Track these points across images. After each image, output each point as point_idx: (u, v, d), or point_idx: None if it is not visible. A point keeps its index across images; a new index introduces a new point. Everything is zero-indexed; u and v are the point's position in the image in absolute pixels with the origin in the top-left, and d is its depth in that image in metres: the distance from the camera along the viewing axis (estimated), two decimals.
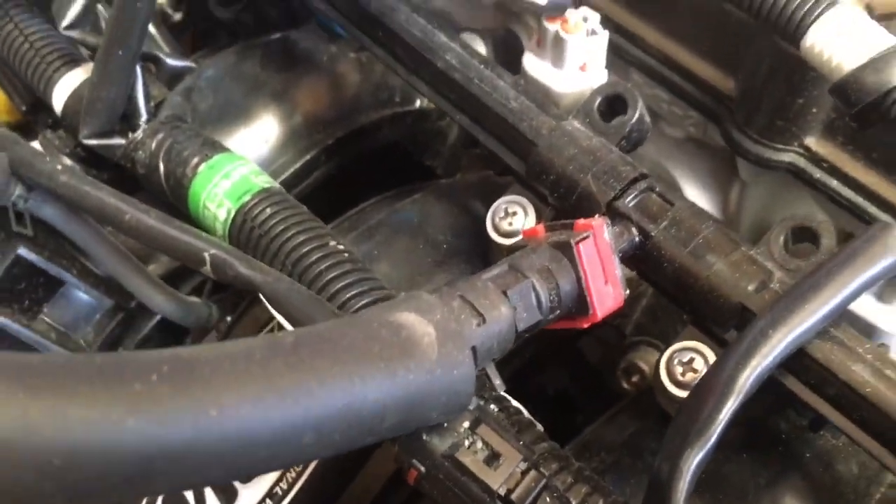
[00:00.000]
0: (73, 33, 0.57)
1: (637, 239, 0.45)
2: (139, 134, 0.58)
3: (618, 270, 0.42)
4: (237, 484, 0.54)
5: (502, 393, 0.41)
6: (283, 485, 0.52)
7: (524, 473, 0.38)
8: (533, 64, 0.54)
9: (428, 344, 0.34)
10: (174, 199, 0.57)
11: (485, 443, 0.38)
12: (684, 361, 0.45)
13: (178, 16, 0.78)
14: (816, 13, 0.50)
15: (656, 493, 0.37)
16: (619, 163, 0.48)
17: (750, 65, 0.59)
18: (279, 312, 0.46)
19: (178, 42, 0.71)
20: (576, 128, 0.50)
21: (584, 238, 0.41)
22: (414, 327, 0.34)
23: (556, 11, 0.51)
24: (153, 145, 0.58)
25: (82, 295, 0.63)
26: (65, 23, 0.55)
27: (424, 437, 0.38)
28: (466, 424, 0.39)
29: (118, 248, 0.61)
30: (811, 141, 0.58)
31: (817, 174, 0.58)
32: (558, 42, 0.52)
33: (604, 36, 0.53)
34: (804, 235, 0.46)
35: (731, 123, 0.61)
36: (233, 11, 0.71)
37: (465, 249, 0.59)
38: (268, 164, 0.67)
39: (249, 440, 0.29)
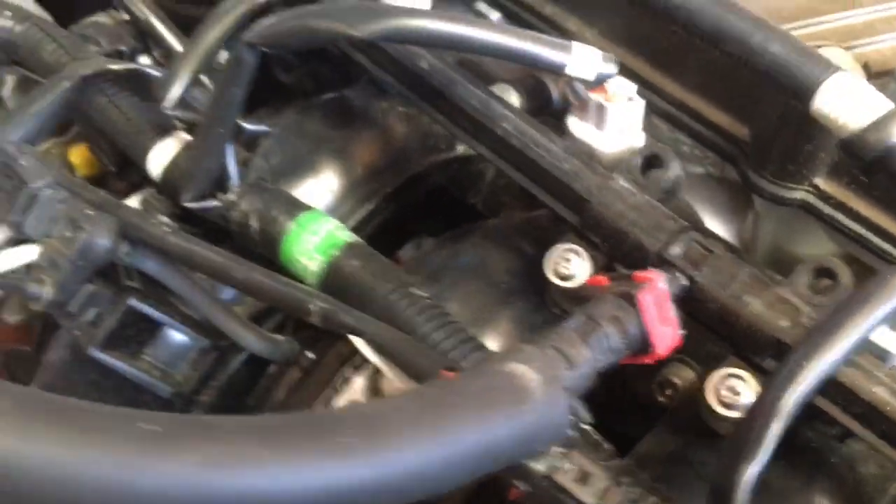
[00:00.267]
0: (176, 112, 0.65)
1: (684, 284, 0.53)
2: (232, 196, 0.66)
3: (673, 313, 0.50)
4: None
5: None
6: None
7: (608, 490, 0.47)
8: (577, 126, 0.63)
9: (535, 389, 0.42)
10: (266, 252, 0.65)
11: (575, 464, 0.47)
12: (728, 385, 0.53)
13: None
14: (822, 79, 0.58)
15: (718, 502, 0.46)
16: (662, 217, 0.56)
17: (762, 115, 0.67)
18: (383, 356, 0.54)
19: None
20: (622, 186, 0.58)
21: (645, 288, 0.49)
22: (524, 376, 0.42)
23: (600, 83, 0.59)
24: (245, 206, 0.66)
25: (179, 336, 0.71)
26: (169, 104, 0.63)
27: (525, 462, 0.47)
28: (560, 449, 0.47)
29: (211, 294, 0.69)
30: (820, 180, 0.66)
31: (826, 210, 0.67)
32: (601, 110, 0.60)
33: (641, 103, 0.61)
34: (825, 274, 0.54)
35: (746, 165, 0.70)
36: (296, 75, 0.79)
37: (521, 289, 0.67)
38: (333, 212, 0.75)
39: (416, 477, 0.37)
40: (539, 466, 0.47)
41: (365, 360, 0.65)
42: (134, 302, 0.67)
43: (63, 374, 0.75)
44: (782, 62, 0.58)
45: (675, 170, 0.60)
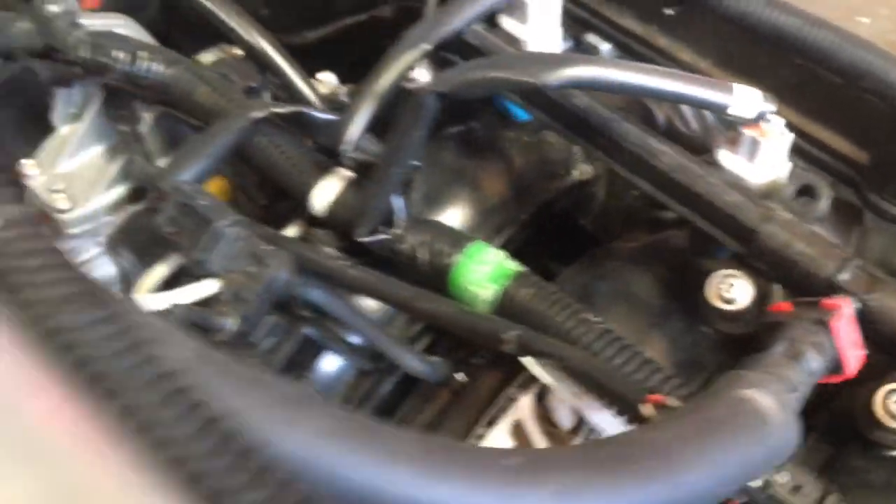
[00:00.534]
0: (354, 154, 0.69)
1: (858, 307, 0.58)
2: (399, 230, 0.70)
3: (858, 336, 0.55)
4: None
5: None
6: None
7: (821, 500, 0.51)
8: (728, 159, 0.67)
9: (773, 413, 0.47)
10: (434, 281, 0.69)
11: (789, 477, 0.52)
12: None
13: None
14: None
15: None
16: (827, 245, 0.61)
17: (883, 142, 0.72)
18: (581, 380, 0.58)
19: None
20: (785, 216, 0.63)
21: (836, 315, 0.54)
22: (757, 402, 0.47)
23: (758, 121, 0.64)
24: (413, 239, 0.70)
25: (339, 361, 0.76)
26: (347, 146, 0.67)
27: None
28: None
29: (372, 320, 0.74)
30: None
31: None
32: (755, 144, 0.65)
33: (790, 137, 0.66)
34: None
35: (865, 188, 0.75)
36: None
37: (669, 310, 0.72)
38: None
39: (695, 497, 0.42)
40: (756, 481, 0.51)
41: (530, 380, 0.70)
42: (309, 330, 0.71)
43: None
44: None
45: (827, 199, 0.65)
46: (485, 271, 0.68)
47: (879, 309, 0.58)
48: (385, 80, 0.67)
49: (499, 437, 0.68)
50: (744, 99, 0.63)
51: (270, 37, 0.92)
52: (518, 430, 0.69)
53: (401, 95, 0.70)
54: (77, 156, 0.89)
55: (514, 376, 0.71)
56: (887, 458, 0.60)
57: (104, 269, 0.95)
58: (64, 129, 0.90)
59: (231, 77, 0.86)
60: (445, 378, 0.75)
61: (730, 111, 0.63)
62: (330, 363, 0.76)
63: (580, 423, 0.68)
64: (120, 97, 0.85)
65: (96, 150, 0.90)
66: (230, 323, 0.68)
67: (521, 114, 0.84)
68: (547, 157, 0.86)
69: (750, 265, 0.65)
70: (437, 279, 0.70)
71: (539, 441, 0.68)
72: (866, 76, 0.68)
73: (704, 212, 0.65)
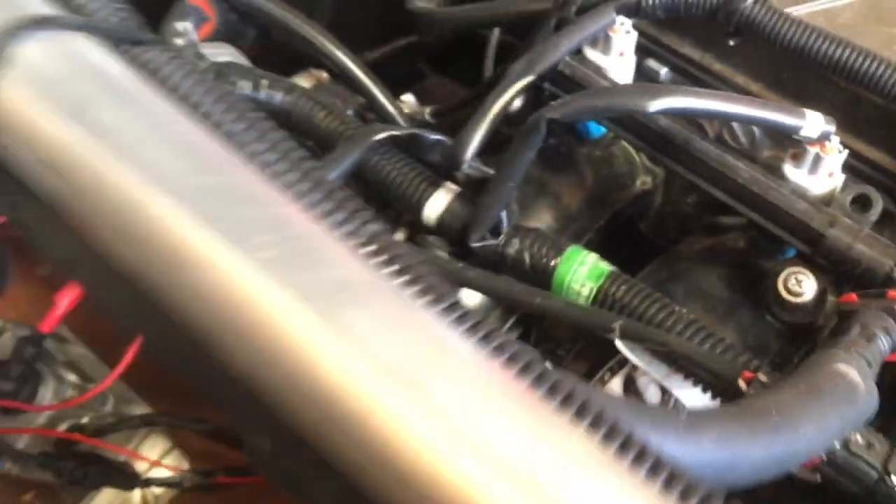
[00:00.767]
0: (471, 170, 0.80)
1: None
2: (503, 238, 0.81)
3: None
4: None
5: None
6: None
7: (888, 455, 0.62)
8: (792, 172, 0.78)
9: (860, 385, 0.58)
10: (538, 281, 0.80)
11: (862, 436, 0.62)
12: None
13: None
14: None
15: None
16: (884, 245, 0.72)
17: None
18: (683, 362, 0.69)
19: None
20: (847, 222, 0.74)
21: None
22: (849, 374, 0.58)
23: (822, 141, 0.75)
24: (517, 245, 0.81)
25: None
26: (464, 163, 0.78)
27: None
28: None
29: None
30: None
31: None
32: (818, 159, 0.76)
33: (845, 153, 0.77)
34: None
35: None
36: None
37: (737, 304, 0.82)
38: None
39: (805, 451, 0.53)
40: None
41: (617, 366, 0.81)
42: None
43: None
44: None
45: (878, 206, 0.76)
46: (583, 271, 0.78)
47: None
48: (496, 107, 0.78)
49: None
50: (812, 122, 0.74)
51: (359, 61, 1.02)
52: None
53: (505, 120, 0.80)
54: None
55: (598, 365, 0.82)
56: None
57: None
58: None
59: (335, 101, 0.97)
60: None
61: (802, 133, 0.74)
62: None
63: (664, 398, 0.78)
64: None
65: None
66: None
67: (593, 132, 0.95)
68: (615, 170, 0.97)
69: (814, 263, 0.76)
70: (540, 279, 0.80)
71: None
72: None
73: (776, 218, 0.76)
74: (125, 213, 0.32)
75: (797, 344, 0.81)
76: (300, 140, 0.91)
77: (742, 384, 0.65)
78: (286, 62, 1.09)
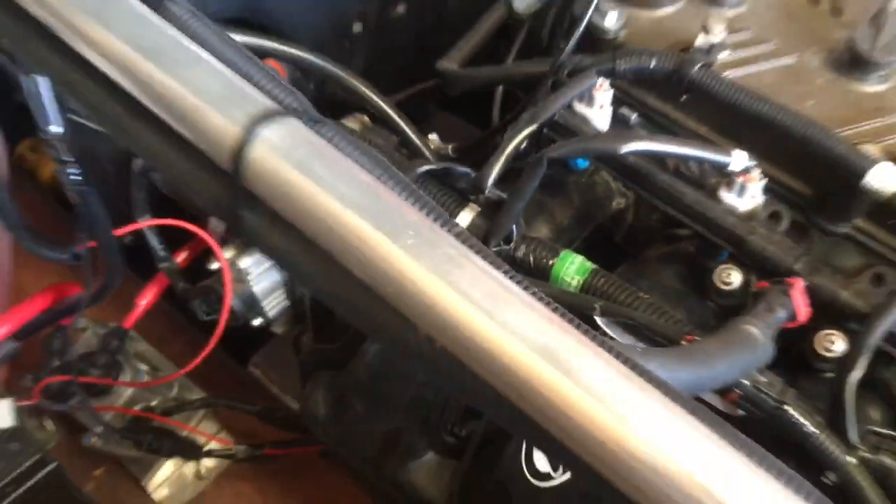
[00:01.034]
0: (490, 195, 1.08)
1: (806, 284, 0.98)
2: (514, 244, 1.09)
3: (806, 299, 0.95)
4: None
5: None
6: None
7: (783, 389, 0.91)
8: (726, 195, 1.07)
9: (759, 337, 0.86)
10: (540, 276, 1.08)
11: (766, 376, 0.91)
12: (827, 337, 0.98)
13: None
14: (869, 167, 1.03)
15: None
16: (789, 247, 1.01)
17: (823, 183, 1.12)
18: (646, 332, 0.97)
19: None
20: (763, 231, 1.03)
21: (795, 287, 0.94)
22: (752, 332, 0.86)
23: (746, 172, 1.04)
24: (525, 249, 1.09)
25: None
26: (487, 189, 1.06)
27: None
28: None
29: None
30: (859, 222, 1.11)
31: (861, 238, 1.11)
32: (743, 186, 1.05)
33: (764, 181, 1.06)
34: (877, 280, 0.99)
35: (810, 211, 1.14)
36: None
37: (687, 293, 1.11)
38: None
39: (715, 381, 0.81)
40: (746, 380, 0.91)
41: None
42: None
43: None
44: (846, 156, 1.03)
45: (787, 220, 1.05)
46: (573, 268, 1.07)
47: (819, 284, 0.98)
48: (510, 147, 1.06)
49: None
50: (737, 158, 1.03)
51: (394, 106, 1.31)
52: None
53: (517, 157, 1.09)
54: None
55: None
56: (821, 378, 1.00)
57: (269, 278, 1.33)
58: None
59: (381, 142, 1.25)
60: None
61: (730, 167, 1.03)
62: None
63: None
64: None
65: None
66: None
67: (580, 165, 1.23)
68: (597, 194, 1.25)
69: (741, 262, 1.05)
70: (541, 275, 1.08)
71: None
72: (811, 141, 1.07)
73: (713, 230, 1.05)
74: (346, 238, 0.59)
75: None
76: None
77: (684, 343, 0.93)
78: (336, 107, 1.37)
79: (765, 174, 1.09)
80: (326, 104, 1.38)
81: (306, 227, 0.62)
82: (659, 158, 1.15)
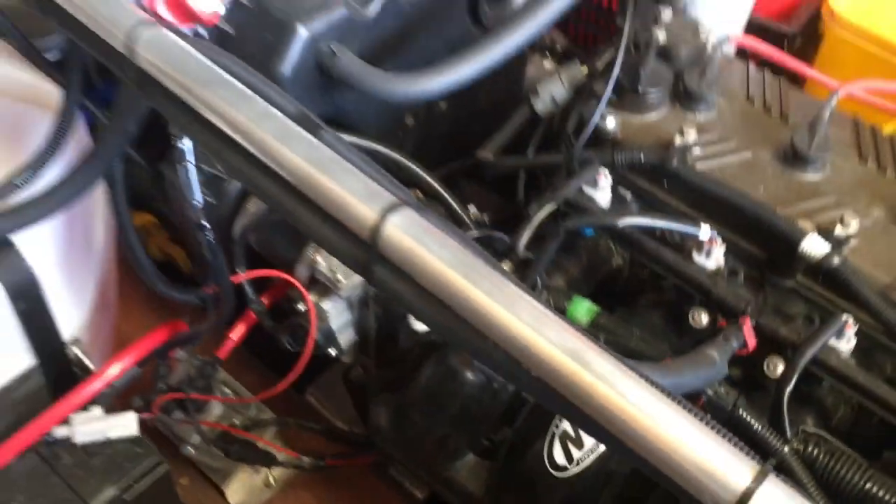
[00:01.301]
0: (521, 255, 1.45)
1: (754, 322, 1.34)
2: (538, 292, 1.46)
3: (753, 332, 1.32)
4: None
5: None
6: None
7: (737, 398, 1.27)
8: (697, 257, 1.44)
9: (717, 358, 1.22)
10: None
11: (723, 387, 1.27)
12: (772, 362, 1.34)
13: None
14: (801, 238, 1.40)
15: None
16: (742, 296, 1.38)
17: (773, 248, 1.49)
18: (637, 355, 1.33)
19: None
20: (723, 284, 1.40)
21: (745, 324, 1.30)
22: (712, 355, 1.23)
23: (711, 240, 1.41)
24: (546, 295, 1.45)
25: None
26: (521, 250, 1.43)
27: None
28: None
29: None
30: (800, 278, 1.48)
31: (804, 292, 1.48)
32: (710, 250, 1.42)
33: (724, 246, 1.43)
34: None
35: (764, 269, 1.51)
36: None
37: (669, 330, 1.47)
38: None
39: (681, 386, 1.17)
40: (709, 390, 1.27)
41: None
42: None
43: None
44: (786, 229, 1.41)
45: (742, 274, 1.42)
46: (583, 310, 1.43)
47: (763, 323, 1.35)
48: (536, 220, 1.43)
49: None
50: (704, 230, 1.41)
51: (442, 183, 1.69)
52: None
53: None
54: None
55: None
56: (767, 389, 1.36)
57: (343, 317, 1.69)
58: None
59: None
60: None
61: (699, 237, 1.41)
62: None
63: None
64: None
65: None
66: None
67: (587, 232, 1.60)
68: (601, 255, 1.62)
69: (709, 306, 1.41)
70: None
71: None
72: (761, 218, 1.44)
73: (689, 283, 1.42)
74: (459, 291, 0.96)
75: None
76: None
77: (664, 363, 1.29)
78: None
79: (727, 241, 1.46)
80: None
81: (421, 279, 0.98)
82: (648, 229, 1.52)
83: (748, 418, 1.25)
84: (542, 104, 1.68)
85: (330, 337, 1.65)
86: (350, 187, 1.02)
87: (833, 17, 2.03)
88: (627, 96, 1.51)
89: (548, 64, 1.99)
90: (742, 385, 1.37)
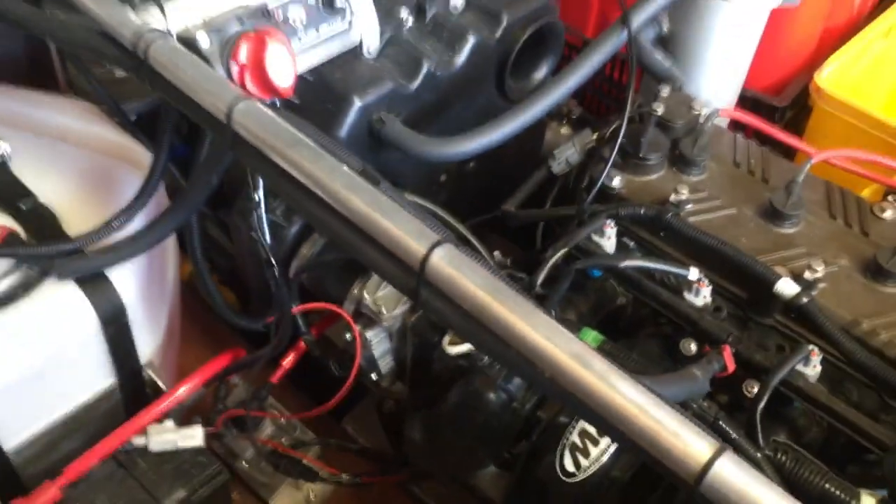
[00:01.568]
0: (538, 292, 1.71)
1: (734, 350, 1.60)
2: None
3: (731, 358, 1.57)
4: None
5: None
6: None
7: (717, 412, 1.52)
8: (687, 295, 1.70)
9: (700, 378, 1.48)
10: None
11: (706, 401, 1.52)
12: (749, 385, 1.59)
13: None
14: (776, 280, 1.66)
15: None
16: (724, 328, 1.63)
17: (752, 289, 1.75)
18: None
19: None
20: (708, 318, 1.66)
21: (725, 351, 1.56)
22: (697, 373, 1.48)
23: (700, 281, 1.68)
24: None
25: None
26: (537, 284, 1.70)
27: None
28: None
29: None
30: (777, 316, 1.73)
31: (781, 328, 1.73)
32: (698, 290, 1.68)
33: (710, 286, 1.70)
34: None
35: (746, 307, 1.77)
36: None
37: (663, 357, 1.73)
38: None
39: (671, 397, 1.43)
40: (694, 404, 1.52)
41: None
42: None
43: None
44: (763, 273, 1.66)
45: (725, 311, 1.68)
46: (590, 339, 1.69)
47: (741, 350, 1.61)
48: (551, 262, 1.70)
49: None
50: (693, 272, 1.67)
51: (471, 232, 1.96)
52: None
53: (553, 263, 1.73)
54: (388, 286, 1.90)
55: None
56: (745, 407, 1.60)
57: (384, 345, 1.95)
58: None
59: None
60: None
61: (689, 277, 1.67)
62: None
63: None
64: None
65: None
66: None
67: (595, 273, 1.87)
68: (606, 294, 1.88)
69: (697, 336, 1.67)
70: None
71: None
72: (743, 264, 1.70)
73: (680, 317, 1.68)
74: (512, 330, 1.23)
75: None
76: None
77: None
78: None
79: (713, 283, 1.72)
80: None
81: (458, 300, 1.25)
82: (647, 271, 1.79)
83: (727, 428, 1.50)
84: (557, 165, 1.95)
85: (372, 363, 1.91)
86: (404, 228, 1.29)
87: (819, 93, 2.28)
88: (630, 160, 1.77)
89: (564, 130, 2.28)
90: (727, 407, 1.62)
